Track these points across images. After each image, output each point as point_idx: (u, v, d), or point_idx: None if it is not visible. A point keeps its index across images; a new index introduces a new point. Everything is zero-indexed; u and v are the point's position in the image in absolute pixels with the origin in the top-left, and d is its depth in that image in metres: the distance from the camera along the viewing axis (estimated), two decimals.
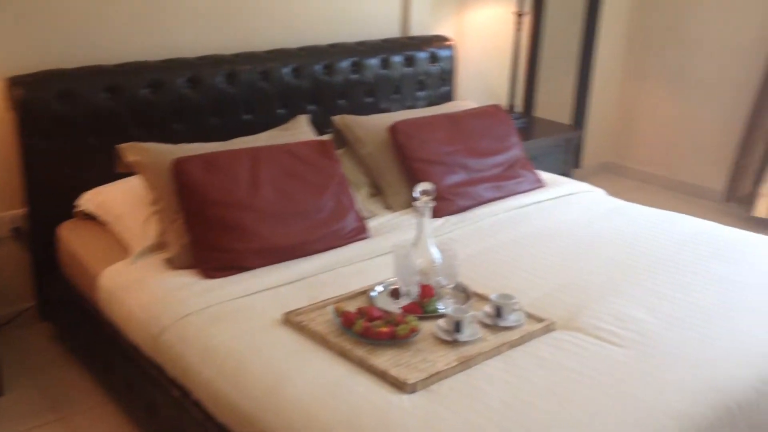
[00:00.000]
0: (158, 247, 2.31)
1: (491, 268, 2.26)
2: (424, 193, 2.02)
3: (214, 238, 2.22)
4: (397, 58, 3.26)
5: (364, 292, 2.10)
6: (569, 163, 3.94)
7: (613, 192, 3.04)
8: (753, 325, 1.93)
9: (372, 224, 2.53)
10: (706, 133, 4.32)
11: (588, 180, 3.35)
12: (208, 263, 2.20)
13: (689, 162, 4.44)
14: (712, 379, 1.71)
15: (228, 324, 1.95)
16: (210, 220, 2.23)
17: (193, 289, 2.11)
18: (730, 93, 4.14)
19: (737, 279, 2.18)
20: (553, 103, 4.16)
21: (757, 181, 3.89)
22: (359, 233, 2.43)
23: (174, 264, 2.23)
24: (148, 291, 2.13)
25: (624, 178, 4.72)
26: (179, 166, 2.27)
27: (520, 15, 3.64)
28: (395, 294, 2.08)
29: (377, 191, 2.77)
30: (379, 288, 2.12)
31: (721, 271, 2.23)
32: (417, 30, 3.48)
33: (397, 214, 2.65)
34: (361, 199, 2.64)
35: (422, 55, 3.35)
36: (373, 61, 3.19)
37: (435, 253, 2.04)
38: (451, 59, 3.46)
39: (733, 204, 4.08)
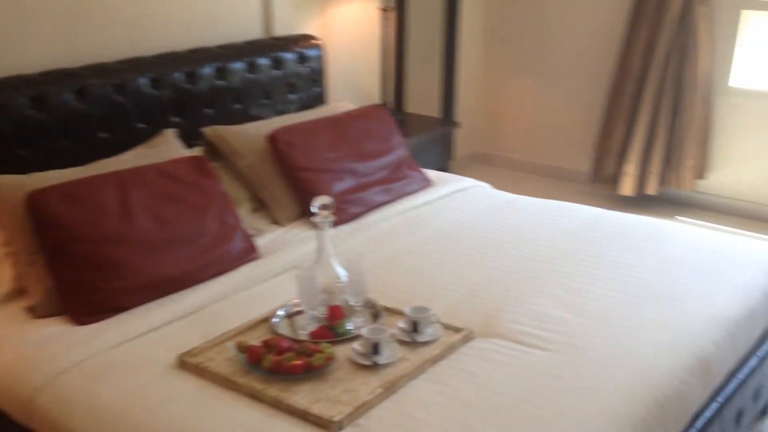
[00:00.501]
0: (15, 294, 1.99)
1: (396, 278, 2.14)
2: (323, 207, 1.86)
3: (83, 279, 1.94)
4: (263, 61, 3.06)
5: (266, 320, 1.92)
6: (445, 157, 3.91)
7: (489, 182, 3.02)
8: (661, 312, 1.94)
9: (260, 242, 2.33)
10: (569, 118, 4.45)
11: (462, 171, 3.31)
12: (79, 308, 1.92)
13: (556, 147, 4.56)
14: (639, 374, 1.68)
15: (112, 378, 1.70)
16: (76, 259, 1.95)
17: (65, 340, 1.83)
18: (588, 78, 4.28)
19: (636, 264, 2.19)
20: (423, 97, 4.11)
21: (620, 162, 4.04)
22: (249, 254, 2.23)
23: (38, 312, 1.93)
24: (10, 348, 1.82)
25: (496, 167, 4.78)
26: (34, 200, 1.96)
27: (385, 11, 3.55)
28: (300, 318, 1.91)
29: (261, 206, 2.57)
30: (281, 313, 1.94)
31: (619, 258, 2.23)
32: (281, 30, 3.29)
33: (286, 228, 2.47)
34: (245, 215, 2.43)
35: (290, 57, 3.16)
36: (239, 66, 2.96)
37: (339, 269, 1.89)
38: (319, 59, 3.30)
39: (599, 184, 4.22)
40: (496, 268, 2.20)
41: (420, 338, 1.80)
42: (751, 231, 3.71)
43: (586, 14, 4.21)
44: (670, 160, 3.93)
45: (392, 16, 3.61)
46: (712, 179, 3.96)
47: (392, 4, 3.60)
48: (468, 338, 1.83)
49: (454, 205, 2.71)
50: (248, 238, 2.27)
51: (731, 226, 3.77)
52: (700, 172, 3.94)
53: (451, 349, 1.78)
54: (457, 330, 1.84)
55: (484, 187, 2.96)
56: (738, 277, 2.11)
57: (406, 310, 1.84)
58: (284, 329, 1.87)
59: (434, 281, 2.12)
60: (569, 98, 4.42)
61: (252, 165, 2.57)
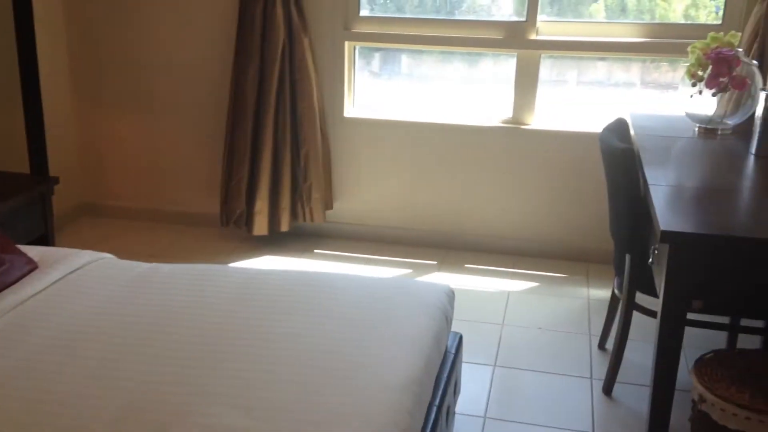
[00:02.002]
0: None
1: (9, 406, 1.53)
2: None
3: None
4: None
5: None
6: (44, 222, 3.22)
7: (104, 238, 2.50)
8: (350, 392, 1.70)
9: None
10: (188, 157, 4.08)
11: (69, 235, 2.71)
12: None
13: (177, 190, 4.15)
14: None
15: None
16: None
17: None
18: (205, 113, 3.97)
19: (308, 332, 1.92)
20: (4, 151, 3.33)
21: (249, 201, 3.82)
22: None
23: None
24: None
25: (109, 219, 4.17)
26: None
27: None
28: None
29: None
30: None
31: (289, 328, 1.94)
32: None
33: None
34: None
35: None
36: None
37: None
38: None
39: (232, 226, 3.94)
40: (151, 371, 1.73)
41: None
42: (379, 255, 3.81)
43: (190, 41, 3.88)
44: (299, 195, 3.83)
45: None
46: (339, 208, 3.98)
47: None
48: None
49: (74, 291, 2.14)
50: None
51: (362, 252, 3.83)
52: (328, 204, 3.92)
53: None
54: None
55: (107, 258, 2.43)
56: (413, 327, 1.99)
57: None
58: None
59: (66, 405, 1.56)
60: (185, 135, 4.05)
61: None
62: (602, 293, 3.41)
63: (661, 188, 2.16)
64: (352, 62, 3.81)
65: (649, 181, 2.23)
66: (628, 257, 2.48)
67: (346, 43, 3.74)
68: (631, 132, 2.86)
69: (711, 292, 1.91)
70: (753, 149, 2.53)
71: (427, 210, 3.88)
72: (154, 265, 2.36)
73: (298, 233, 4.00)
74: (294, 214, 3.86)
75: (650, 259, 2.13)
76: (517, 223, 3.78)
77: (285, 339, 1.89)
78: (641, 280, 2.46)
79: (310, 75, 3.66)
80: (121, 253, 2.66)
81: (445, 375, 2.09)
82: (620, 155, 2.35)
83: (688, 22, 3.51)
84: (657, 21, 3.51)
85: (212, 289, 2.16)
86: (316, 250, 3.89)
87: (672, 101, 2.86)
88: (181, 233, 4.04)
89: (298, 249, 3.89)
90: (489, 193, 3.77)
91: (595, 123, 3.43)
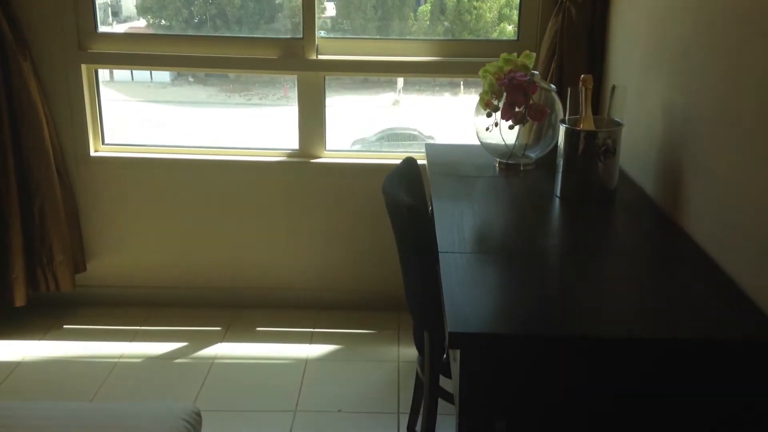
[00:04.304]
0: None
1: None
2: None
3: None
4: None
5: None
6: None
7: None
8: None
9: None
10: None
11: None
12: None
13: None
14: None
15: None
16: None
17: None
18: None
19: None
20: None
21: (5, 268, 2.97)
22: None
23: None
24: None
25: None
26: None
27: None
28: None
29: None
30: None
31: None
32: None
33: None
34: None
35: None
36: None
37: None
38: None
39: None
40: None
41: None
42: (150, 324, 3.12)
43: None
44: (37, 259, 3.03)
45: None
46: (95, 269, 3.22)
47: None
48: None
49: None
50: None
51: (128, 323, 3.11)
52: (78, 265, 3.15)
53: None
54: None
55: None
56: None
57: None
58: None
59: None
60: None
61: None
62: (415, 352, 2.95)
63: (454, 259, 1.69)
64: (94, 89, 3.06)
65: (440, 248, 1.76)
66: (426, 335, 2.00)
67: (84, 66, 2.99)
68: (427, 170, 2.41)
69: (520, 408, 1.45)
70: (557, 191, 2.15)
71: (207, 263, 3.23)
72: None
73: (41, 306, 3.18)
74: (33, 283, 3.06)
75: (444, 355, 1.65)
76: (315, 271, 3.23)
77: None
78: (445, 364, 1.99)
79: (37, 107, 2.88)
80: None
81: None
82: (406, 214, 1.86)
83: (480, 38, 3.14)
84: (447, 38, 3.11)
85: None
86: (66, 326, 3.11)
87: (471, 128, 2.43)
88: None
89: (41, 327, 3.08)
90: (279, 238, 3.20)
91: (400, 149, 2.96)
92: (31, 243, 3.01)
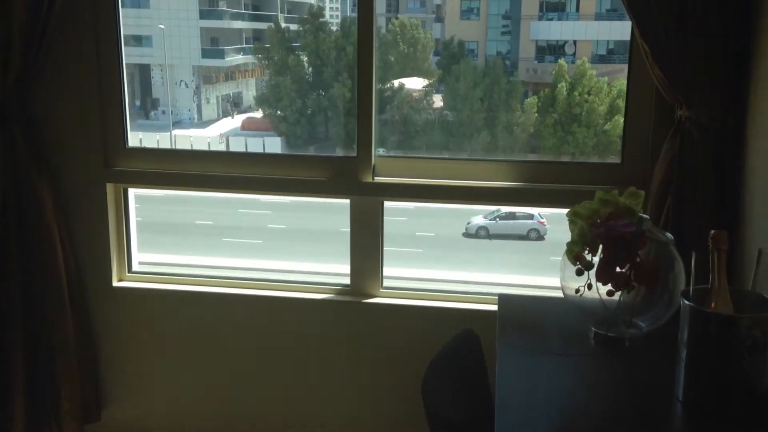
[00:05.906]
0: None
1: None
2: None
3: None
4: None
5: None
6: None
7: None
8: None
9: None
10: None
11: None
12: None
13: None
14: None
15: None
16: None
17: None
18: None
19: None
20: None
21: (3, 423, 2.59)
22: None
23: None
24: None
25: None
26: None
27: None
28: None
29: None
30: None
31: None
32: None
33: None
34: None
35: None
36: None
37: None
38: None
39: None
40: None
41: None
42: None
43: None
44: (41, 404, 2.61)
45: None
46: (113, 415, 2.77)
47: None
48: None
49: None
50: None
51: None
52: (90, 414, 2.70)
53: None
54: None
55: None
56: None
57: None
58: None
59: None
60: None
61: None
62: None
63: None
64: (122, 210, 2.69)
65: None
66: None
67: (109, 186, 2.63)
68: (496, 338, 1.82)
69: None
70: (679, 393, 1.51)
71: (245, 407, 2.71)
72: None
73: None
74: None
75: None
76: (358, 430, 2.65)
77: None
78: None
79: (52, 231, 2.52)
80: None
81: None
82: None
83: (572, 160, 2.58)
84: (537, 159, 2.56)
85: None
86: None
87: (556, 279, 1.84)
88: None
89: None
90: (321, 389, 2.64)
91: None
92: (35, 387, 2.60)
